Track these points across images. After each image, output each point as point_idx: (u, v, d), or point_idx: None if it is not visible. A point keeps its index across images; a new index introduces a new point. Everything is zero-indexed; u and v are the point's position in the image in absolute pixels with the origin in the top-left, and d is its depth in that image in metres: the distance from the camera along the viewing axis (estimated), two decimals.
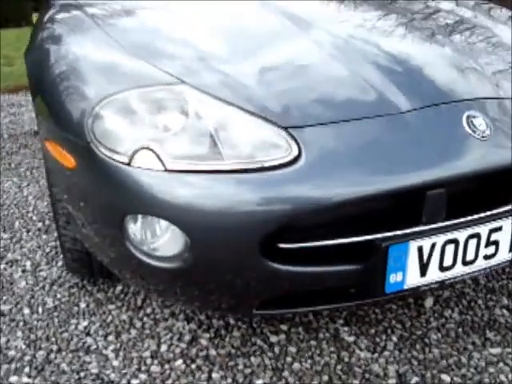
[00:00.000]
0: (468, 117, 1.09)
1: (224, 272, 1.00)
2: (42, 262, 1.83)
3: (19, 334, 1.45)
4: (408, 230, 1.04)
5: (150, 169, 0.97)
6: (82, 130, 1.06)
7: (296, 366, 1.28)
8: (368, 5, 1.60)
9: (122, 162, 0.99)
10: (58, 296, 1.62)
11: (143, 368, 1.30)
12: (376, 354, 1.31)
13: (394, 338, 1.37)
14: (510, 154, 1.06)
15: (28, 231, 2.07)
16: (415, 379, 1.23)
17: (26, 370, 1.31)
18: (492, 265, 1.12)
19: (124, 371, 1.29)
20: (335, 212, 0.97)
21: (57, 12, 1.52)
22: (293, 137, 0.99)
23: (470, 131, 1.07)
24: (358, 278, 1.04)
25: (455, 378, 1.23)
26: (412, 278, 1.07)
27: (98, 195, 1.05)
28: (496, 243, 1.11)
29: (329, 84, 1.12)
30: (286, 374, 1.26)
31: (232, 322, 1.43)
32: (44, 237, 2.02)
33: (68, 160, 1.12)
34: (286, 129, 1.00)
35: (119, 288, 1.64)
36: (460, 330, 1.39)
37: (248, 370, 1.27)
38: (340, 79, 1.12)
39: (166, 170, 0.97)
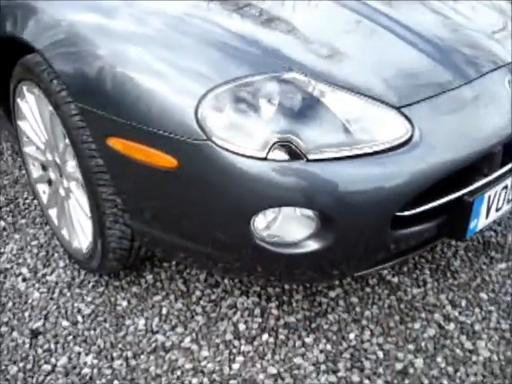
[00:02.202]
0: (509, 81, 1.26)
1: (355, 246, 1.07)
2: (37, 265, 1.65)
3: (77, 348, 1.34)
4: (481, 183, 1.20)
5: (290, 160, 0.96)
6: (189, 125, 0.98)
7: (367, 313, 1.42)
8: None
9: (256, 158, 0.96)
10: (88, 299, 1.50)
11: (234, 350, 1.32)
12: (422, 288, 1.51)
13: (427, 271, 1.58)
14: None
15: None
16: (463, 302, 1.46)
17: (116, 382, 1.24)
18: None
19: (218, 359, 1.30)
20: (444, 176, 1.09)
21: None
22: (406, 116, 1.06)
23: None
24: (447, 227, 1.19)
25: (490, 294, 1.49)
26: (481, 222, 1.26)
27: (220, 195, 1.00)
28: None
29: (412, 64, 1.19)
30: (364, 322, 1.39)
31: (286, 287, 1.50)
32: (17, 236, 1.80)
33: (164, 160, 1.03)
34: (398, 109, 1.06)
35: (150, 277, 1.57)
36: (470, 254, 1.66)
37: (334, 328, 1.37)
38: (418, 59, 1.20)
39: (308, 161, 0.97)
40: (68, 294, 1.52)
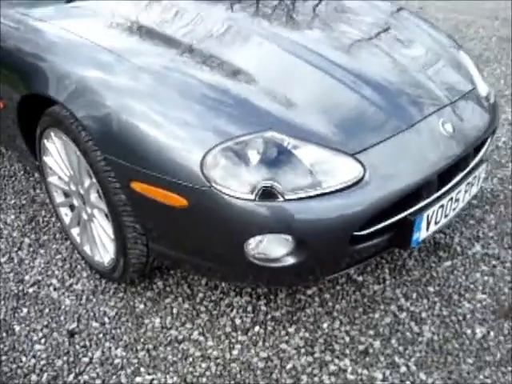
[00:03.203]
0: (442, 123, 1.61)
1: (323, 259, 1.43)
2: (64, 276, 1.97)
3: (107, 344, 1.68)
4: (421, 205, 1.56)
5: (272, 200, 1.31)
6: (196, 175, 1.32)
7: (337, 306, 1.78)
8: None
9: (248, 199, 1.30)
10: (111, 303, 1.83)
11: (233, 340, 1.67)
12: (382, 285, 1.88)
13: (386, 270, 1.95)
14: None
15: (19, 249, 2.13)
16: (414, 295, 1.83)
17: (142, 369, 1.58)
18: (457, 212, 1.73)
19: (220, 347, 1.65)
20: (390, 203, 1.44)
21: None
22: (359, 160, 1.40)
23: (445, 133, 1.60)
24: (396, 240, 1.55)
25: (436, 287, 1.86)
26: (423, 234, 1.61)
27: (221, 226, 1.35)
28: (457, 200, 1.71)
29: (362, 113, 1.53)
30: (335, 314, 1.75)
31: (270, 289, 1.85)
32: (42, 251, 2.11)
33: (177, 200, 1.36)
34: (353, 155, 1.41)
35: (160, 283, 1.91)
36: (422, 254, 2.03)
37: (310, 319, 1.73)
38: (368, 108, 1.54)
39: (285, 200, 1.31)
40: (94, 300, 1.85)
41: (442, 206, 1.62)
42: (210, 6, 2.03)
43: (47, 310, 1.82)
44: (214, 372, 1.57)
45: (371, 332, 1.69)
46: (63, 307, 1.83)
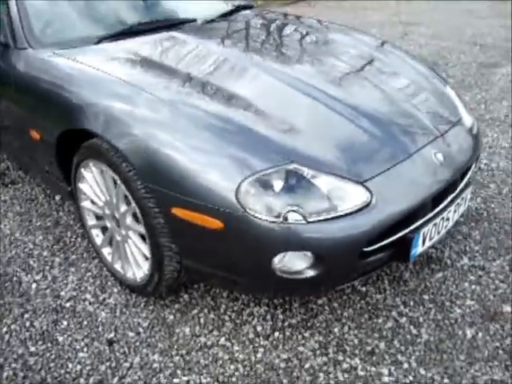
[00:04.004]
0: (435, 153, 1.89)
1: (337, 271, 1.67)
2: (97, 292, 2.18)
3: (144, 351, 1.89)
4: (418, 224, 1.82)
5: (297, 223, 1.55)
6: (232, 202, 1.55)
7: (345, 313, 2.03)
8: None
9: (275, 222, 1.55)
10: (143, 315, 2.05)
11: (256, 344, 1.90)
12: (383, 294, 2.13)
13: (386, 281, 2.20)
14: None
15: (51, 267, 2.33)
16: (412, 302, 2.09)
17: (178, 371, 1.80)
18: (447, 229, 2.00)
19: (246, 351, 1.87)
20: (393, 223, 1.70)
21: None
22: (367, 187, 1.66)
23: (436, 161, 1.88)
24: (397, 255, 1.81)
25: (430, 296, 2.12)
26: (420, 249, 1.87)
27: (252, 245, 1.58)
28: (448, 219, 1.98)
29: (368, 147, 1.79)
30: (344, 320, 2.00)
31: (286, 299, 2.09)
32: (72, 269, 2.32)
33: (213, 223, 1.60)
34: (362, 183, 1.67)
35: (186, 297, 2.13)
36: (417, 267, 2.28)
37: (323, 325, 1.97)
38: (372, 142, 1.81)
39: (308, 222, 1.56)
40: (127, 312, 2.06)
41: (435, 224, 1.88)
42: (224, 45, 2.31)
43: (85, 322, 2.02)
44: (242, 372, 1.79)
45: (376, 335, 1.93)
46: (99, 319, 2.03)
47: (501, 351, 1.83)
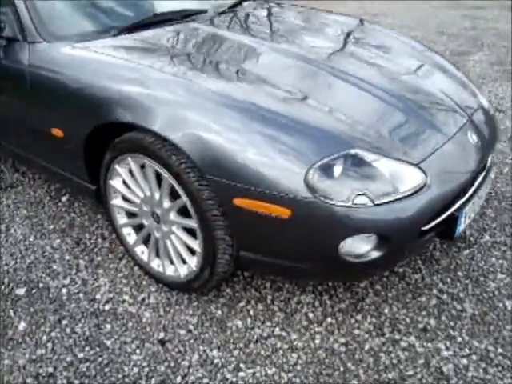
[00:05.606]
0: (470, 134, 1.96)
1: (399, 251, 1.71)
2: (133, 292, 2.11)
3: (201, 347, 1.85)
4: (461, 202, 1.89)
5: (365, 206, 1.57)
6: (301, 188, 1.55)
7: (390, 294, 2.07)
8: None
9: (345, 206, 1.56)
10: (190, 312, 2.00)
11: (312, 331, 1.90)
12: (419, 274, 2.19)
13: (419, 261, 2.26)
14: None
15: (77, 271, 2.24)
16: (448, 280, 2.16)
17: (242, 365, 1.77)
18: (479, 207, 2.08)
19: (303, 339, 1.87)
20: (446, 201, 1.75)
21: None
22: (422, 169, 1.70)
23: (472, 141, 1.95)
24: (444, 233, 1.86)
25: (464, 272, 2.20)
26: (461, 227, 1.94)
27: (321, 230, 1.58)
28: (481, 197, 2.06)
29: (419, 129, 1.84)
30: (390, 301, 2.04)
31: (330, 284, 2.11)
32: (101, 271, 2.24)
33: (280, 211, 1.59)
34: (417, 165, 1.71)
35: (228, 290, 2.11)
36: (444, 246, 2.36)
37: (372, 307, 2.00)
38: (414, 121, 1.86)
39: (375, 205, 1.58)
40: (171, 311, 2.01)
41: (473, 202, 1.95)
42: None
43: (130, 324, 1.95)
44: (305, 360, 1.79)
45: (424, 313, 1.98)
46: (144, 320, 1.97)
47: None
